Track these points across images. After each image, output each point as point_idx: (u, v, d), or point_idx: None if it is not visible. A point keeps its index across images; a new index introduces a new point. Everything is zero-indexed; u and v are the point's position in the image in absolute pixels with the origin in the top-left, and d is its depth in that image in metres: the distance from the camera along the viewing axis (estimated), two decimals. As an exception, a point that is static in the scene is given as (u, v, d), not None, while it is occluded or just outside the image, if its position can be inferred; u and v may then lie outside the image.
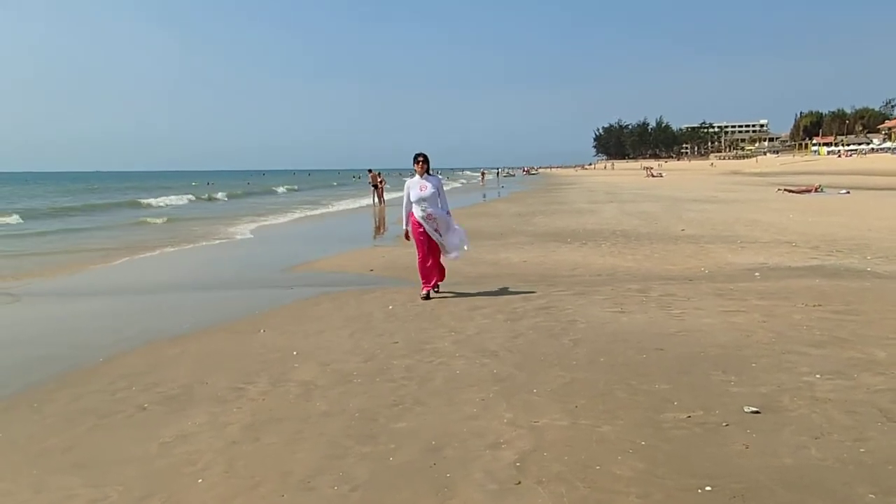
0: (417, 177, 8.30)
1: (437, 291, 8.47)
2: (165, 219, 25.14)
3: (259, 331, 6.94)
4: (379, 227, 21.67)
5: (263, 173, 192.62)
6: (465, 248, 8.74)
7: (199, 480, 3.63)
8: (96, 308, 8.87)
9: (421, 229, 8.27)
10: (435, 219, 8.27)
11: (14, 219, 24.88)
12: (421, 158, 8.30)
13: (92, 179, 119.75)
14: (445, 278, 8.77)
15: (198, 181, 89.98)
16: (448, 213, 8.45)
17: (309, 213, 28.80)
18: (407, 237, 8.54)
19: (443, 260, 8.60)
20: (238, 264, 12.95)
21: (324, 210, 30.85)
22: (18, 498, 3.54)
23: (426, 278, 8.40)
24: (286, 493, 3.46)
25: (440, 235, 8.33)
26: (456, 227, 8.57)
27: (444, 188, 8.64)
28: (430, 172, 8.43)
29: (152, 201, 38.18)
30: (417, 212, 8.26)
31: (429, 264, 8.34)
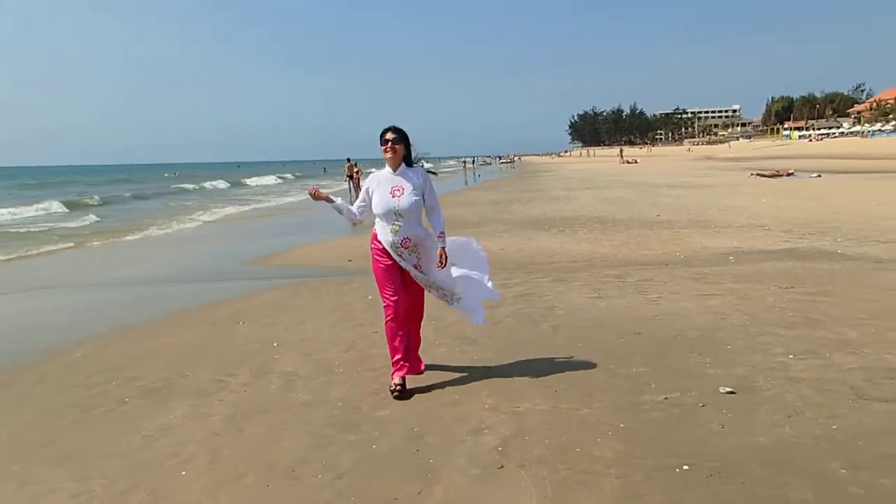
0: (387, 170, 4.64)
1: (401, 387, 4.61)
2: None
3: (238, 323, 6.92)
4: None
5: (238, 165, 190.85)
6: (488, 293, 5.00)
7: (183, 472, 3.63)
8: (69, 302, 8.76)
9: (388, 261, 4.61)
10: (415, 248, 4.59)
11: None
12: (390, 136, 4.54)
13: (53, 174, 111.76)
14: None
15: (170, 173, 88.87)
16: (441, 235, 4.63)
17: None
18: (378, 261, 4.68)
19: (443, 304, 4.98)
20: (212, 255, 12.85)
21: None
22: (2, 492, 3.52)
23: (397, 353, 4.68)
24: (271, 482, 3.47)
25: (425, 275, 4.67)
26: (474, 273, 4.92)
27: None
28: (415, 163, 4.73)
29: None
30: (385, 234, 4.58)
31: (401, 333, 4.67)
